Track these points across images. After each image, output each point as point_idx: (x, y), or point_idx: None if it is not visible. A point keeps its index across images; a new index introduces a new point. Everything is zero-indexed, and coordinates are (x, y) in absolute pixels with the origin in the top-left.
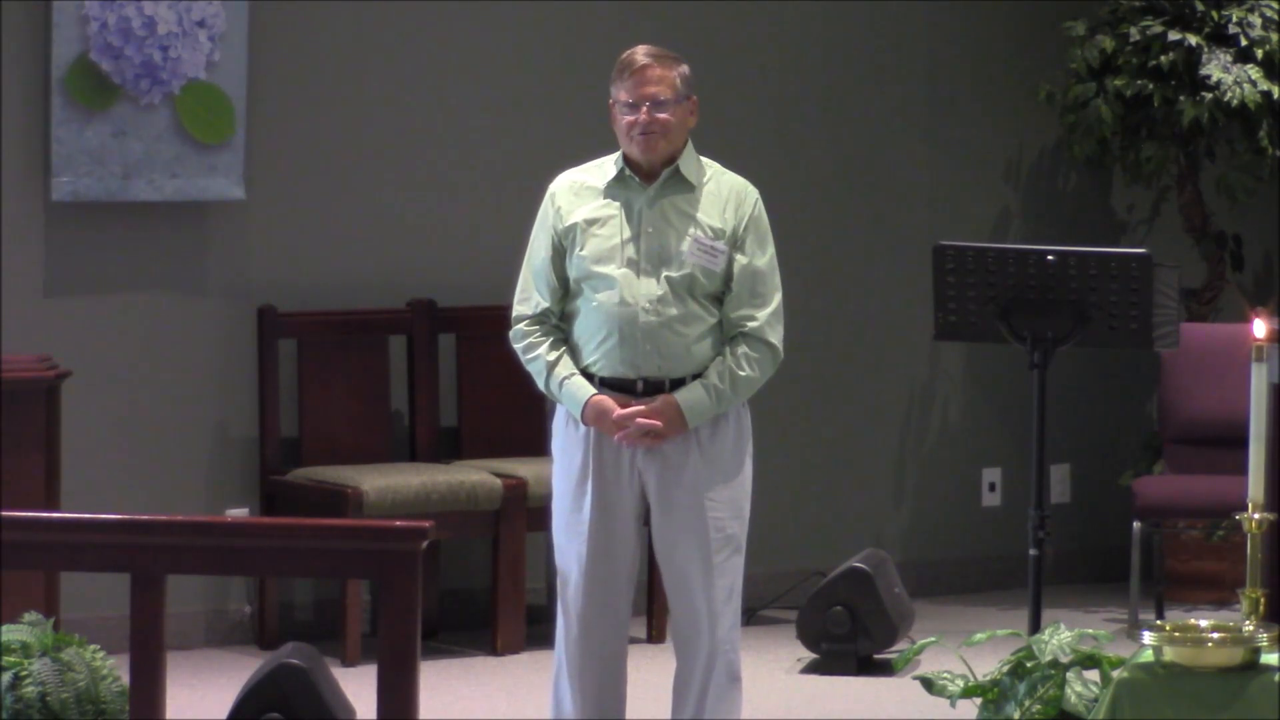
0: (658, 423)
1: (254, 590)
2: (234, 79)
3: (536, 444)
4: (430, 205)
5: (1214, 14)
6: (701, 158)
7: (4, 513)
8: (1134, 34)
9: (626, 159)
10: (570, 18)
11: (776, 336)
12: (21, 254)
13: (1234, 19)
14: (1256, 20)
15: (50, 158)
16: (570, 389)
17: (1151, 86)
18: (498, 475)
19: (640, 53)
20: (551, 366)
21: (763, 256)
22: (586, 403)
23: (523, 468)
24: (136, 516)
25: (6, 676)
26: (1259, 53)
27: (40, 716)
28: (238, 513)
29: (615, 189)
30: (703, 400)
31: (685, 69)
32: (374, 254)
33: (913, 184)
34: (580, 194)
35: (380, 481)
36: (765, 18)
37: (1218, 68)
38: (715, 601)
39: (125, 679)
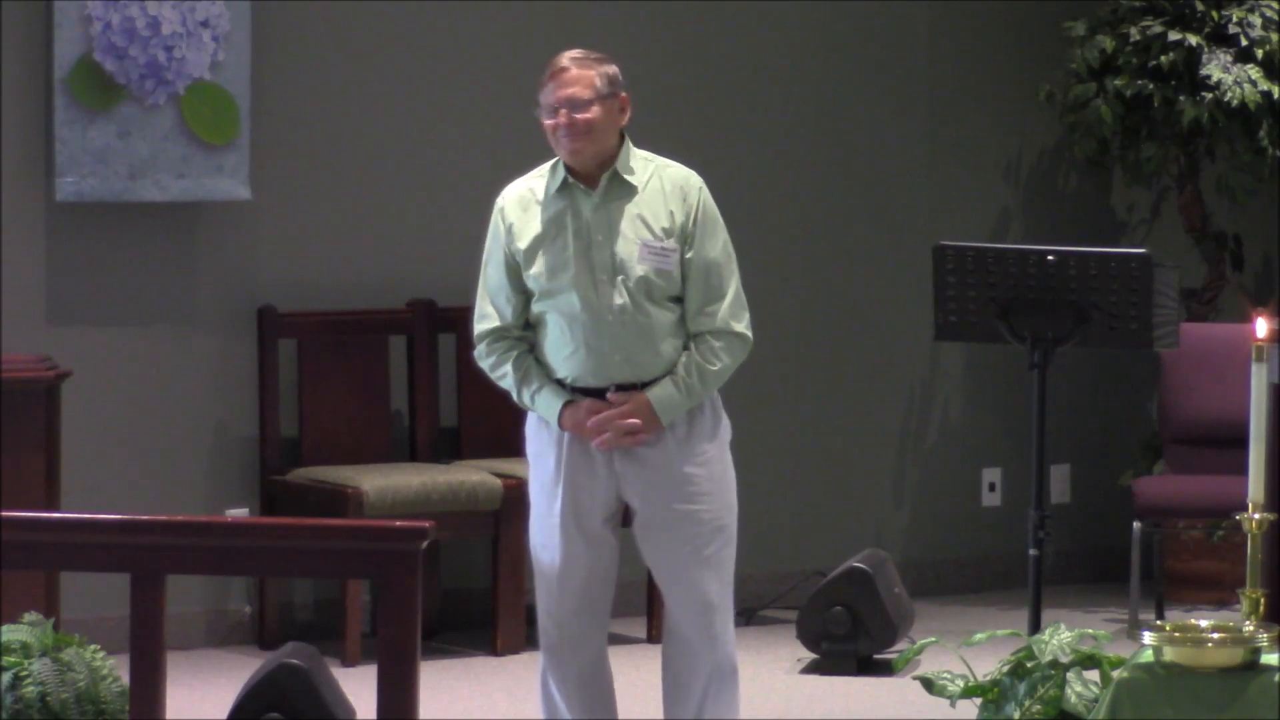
0: (636, 421)
1: (254, 590)
2: (238, 79)
3: None
4: (430, 205)
5: (1214, 14)
6: (640, 152)
7: (4, 513)
8: (1134, 34)
9: (567, 165)
10: (571, 19)
11: (742, 324)
12: (23, 254)
13: (1234, 19)
14: (1256, 20)
15: (54, 158)
16: (543, 400)
17: (1151, 86)
18: (498, 475)
19: (563, 57)
20: (520, 382)
21: (715, 247)
22: (561, 412)
23: (522, 468)
24: (136, 516)
25: (6, 676)
26: (1259, 53)
27: (40, 716)
28: (238, 513)
29: (561, 199)
30: (673, 396)
31: (610, 69)
32: (374, 254)
33: (913, 184)
34: (528, 208)
35: (380, 481)
36: (765, 18)
37: (1218, 68)
38: (711, 595)
39: (125, 679)
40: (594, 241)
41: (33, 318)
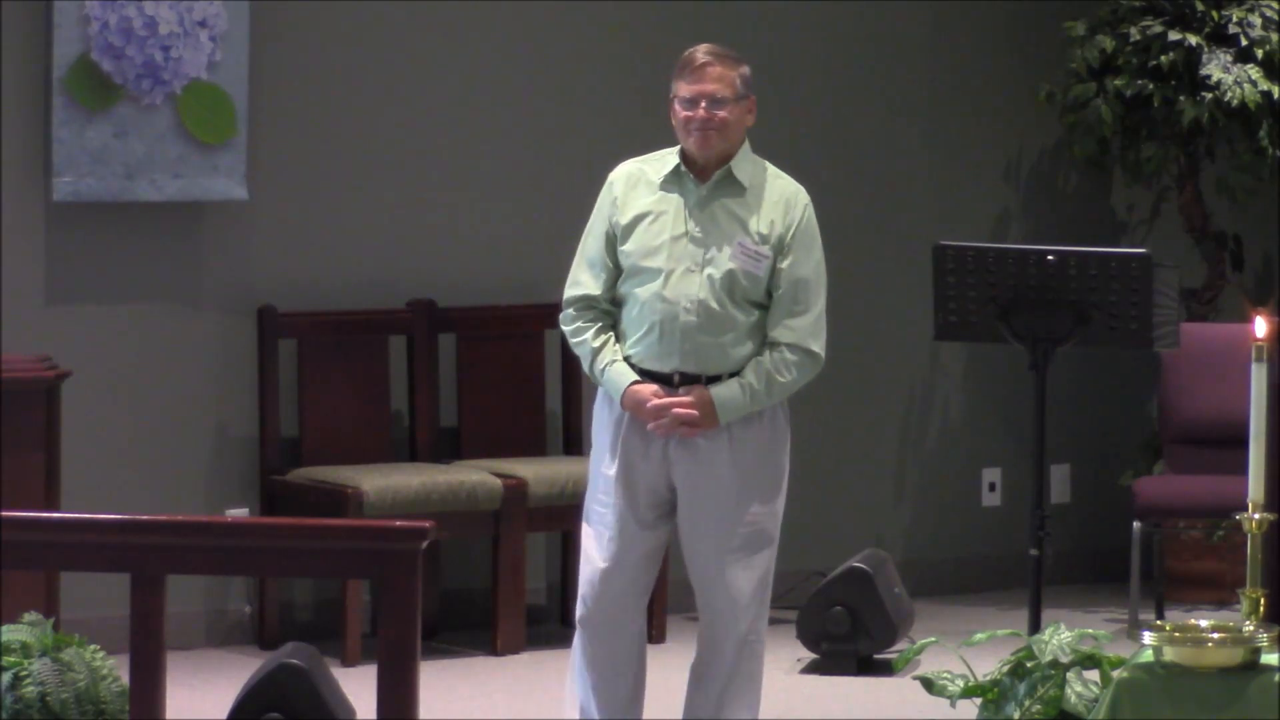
0: (694, 412)
1: (254, 590)
2: (235, 79)
3: (536, 444)
4: (430, 205)
5: (1214, 14)
6: (758, 159)
7: (4, 513)
8: (1134, 34)
9: (683, 155)
10: (571, 20)
11: (818, 344)
12: (22, 254)
13: (1234, 19)
14: (1256, 20)
15: (51, 158)
16: (611, 375)
17: (1151, 86)
18: (498, 475)
19: (701, 51)
20: (596, 352)
21: (807, 264)
22: (625, 391)
23: (523, 468)
24: (136, 516)
25: (6, 676)
26: (1259, 53)
27: (40, 716)
28: (238, 513)
29: (670, 185)
30: (736, 397)
31: (745, 69)
32: (374, 254)
33: (913, 184)
34: (637, 186)
35: (380, 481)
36: (765, 18)
37: (1218, 68)
38: (743, 595)
39: (125, 679)
40: (690, 231)
41: (32, 318)
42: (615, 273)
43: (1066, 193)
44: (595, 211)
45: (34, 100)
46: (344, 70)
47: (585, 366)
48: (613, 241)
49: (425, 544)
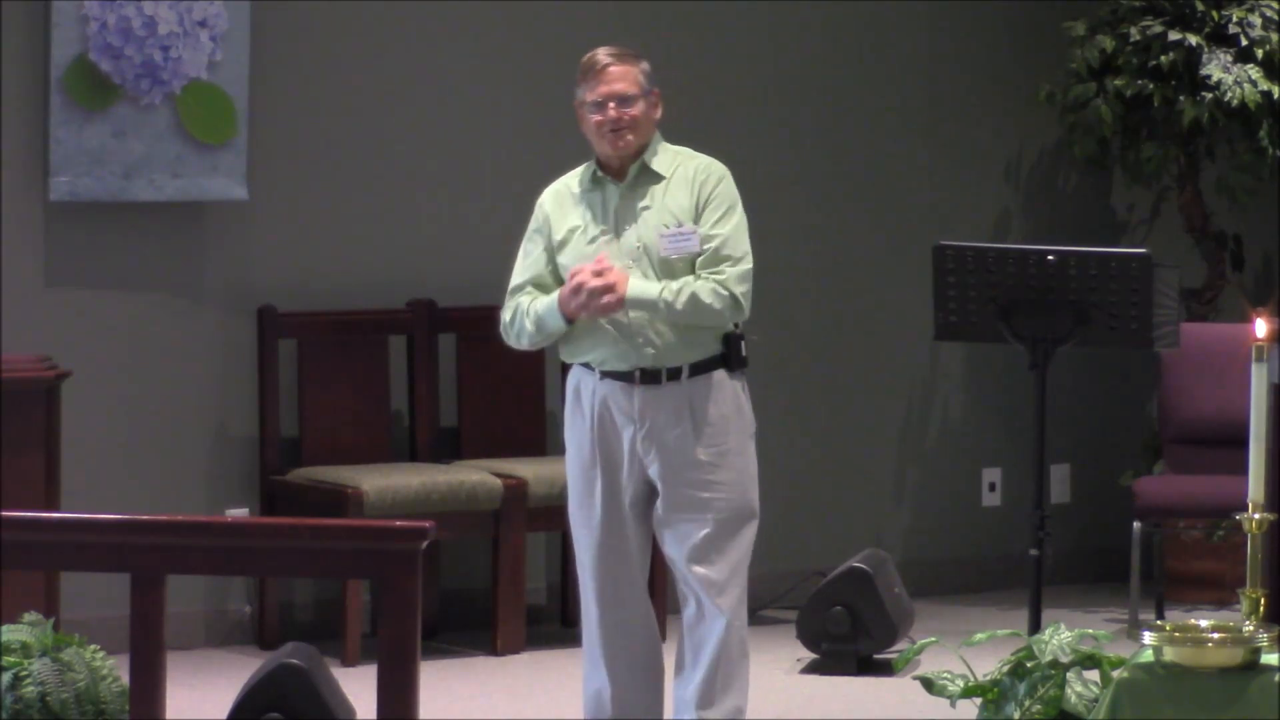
0: (612, 280)
1: (254, 590)
2: (235, 79)
3: (536, 444)
4: (430, 206)
5: (1214, 14)
6: (672, 146)
7: (4, 513)
8: (1134, 34)
9: (598, 160)
10: (570, 19)
11: (741, 290)
12: (21, 253)
13: (1234, 19)
14: (1256, 20)
15: (49, 157)
16: (544, 307)
17: (1151, 86)
18: (498, 475)
19: (601, 53)
20: (529, 309)
21: (726, 224)
22: (558, 301)
23: (523, 468)
24: (136, 516)
25: (6, 676)
26: (1259, 53)
27: (40, 716)
28: (238, 513)
29: (591, 191)
30: (649, 289)
31: (646, 65)
32: (374, 254)
33: (913, 184)
34: (564, 202)
35: (380, 481)
36: (764, 18)
37: (1218, 68)
38: (722, 578)
39: (125, 679)
40: (619, 230)
41: (32, 317)
42: (558, 286)
43: (1066, 193)
44: (527, 238)
45: (32, 100)
46: (344, 70)
47: (531, 335)
48: (552, 255)
49: (425, 544)
